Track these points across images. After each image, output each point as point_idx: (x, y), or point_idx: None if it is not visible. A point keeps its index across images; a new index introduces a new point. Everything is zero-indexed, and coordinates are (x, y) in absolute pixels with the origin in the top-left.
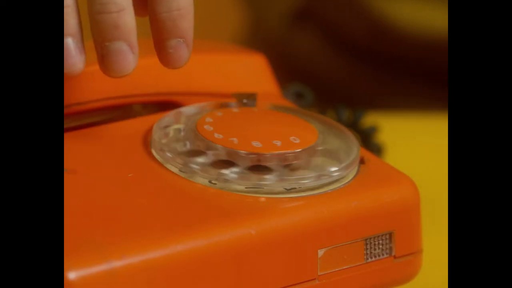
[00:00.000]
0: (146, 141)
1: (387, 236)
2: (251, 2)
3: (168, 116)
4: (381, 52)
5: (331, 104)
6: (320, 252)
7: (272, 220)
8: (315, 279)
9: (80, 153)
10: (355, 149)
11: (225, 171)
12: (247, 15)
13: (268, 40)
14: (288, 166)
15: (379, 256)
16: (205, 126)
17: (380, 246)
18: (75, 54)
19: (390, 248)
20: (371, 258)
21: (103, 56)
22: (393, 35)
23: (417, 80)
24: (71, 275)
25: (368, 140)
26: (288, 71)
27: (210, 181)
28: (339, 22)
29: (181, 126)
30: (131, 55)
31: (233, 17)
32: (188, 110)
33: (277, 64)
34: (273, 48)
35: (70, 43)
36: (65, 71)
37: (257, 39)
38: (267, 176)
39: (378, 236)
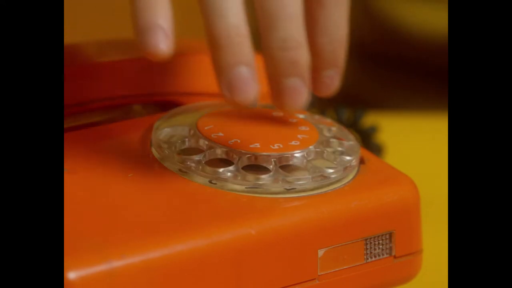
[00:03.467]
0: (146, 141)
1: (387, 236)
2: (250, 2)
3: (168, 116)
4: (381, 52)
5: (331, 104)
6: (320, 252)
7: (272, 220)
8: (315, 279)
9: (80, 153)
10: (355, 149)
11: (225, 171)
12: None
13: None
14: (288, 166)
15: (379, 256)
16: (205, 126)
17: (380, 246)
18: (251, 83)
19: (390, 248)
20: (371, 258)
21: (279, 92)
22: (393, 36)
23: (417, 80)
24: (71, 275)
25: (368, 140)
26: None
27: (210, 181)
28: None
29: (181, 126)
30: (305, 90)
31: None
32: (188, 110)
33: None
34: None
35: (245, 71)
36: (239, 99)
37: (257, 39)
38: (267, 176)
39: (378, 236)
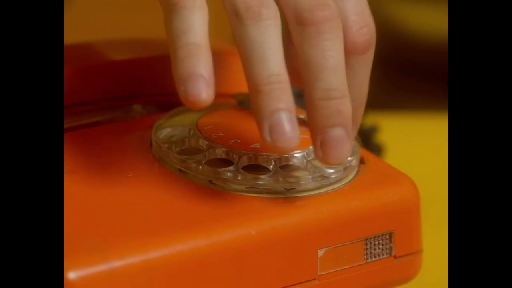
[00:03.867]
0: (146, 141)
1: (387, 236)
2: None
3: (168, 116)
4: (381, 53)
5: None
6: (320, 252)
7: (272, 220)
8: (315, 279)
9: (80, 153)
10: (355, 149)
11: (225, 171)
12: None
13: None
14: (288, 166)
15: (379, 256)
16: (205, 126)
17: (380, 246)
18: (292, 128)
19: (390, 248)
20: (371, 258)
21: (323, 142)
22: (394, 37)
23: (417, 81)
24: (71, 275)
25: (368, 140)
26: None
27: (210, 181)
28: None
29: (181, 126)
30: (349, 141)
31: None
32: (188, 110)
33: None
34: None
35: (286, 117)
36: (282, 145)
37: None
38: (267, 176)
39: (378, 236)
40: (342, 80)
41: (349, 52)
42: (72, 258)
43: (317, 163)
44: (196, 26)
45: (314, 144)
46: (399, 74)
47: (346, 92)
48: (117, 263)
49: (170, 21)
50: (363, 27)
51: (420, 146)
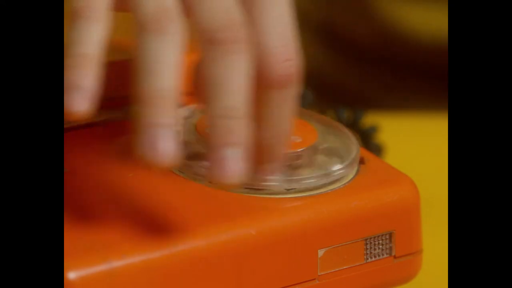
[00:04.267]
0: None
1: (387, 236)
2: None
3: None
4: (381, 52)
5: (331, 104)
6: (320, 252)
7: (272, 220)
8: (315, 279)
9: (80, 153)
10: (355, 149)
11: None
12: None
13: None
14: (287, 166)
15: (379, 256)
16: (205, 127)
17: (380, 246)
18: (166, 145)
19: (390, 248)
20: (371, 258)
21: (215, 160)
22: (393, 36)
23: (417, 80)
24: (71, 275)
25: (368, 140)
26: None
27: (210, 181)
28: (339, 24)
29: (181, 126)
30: (243, 163)
31: None
32: (188, 110)
33: None
34: None
35: (163, 133)
36: (156, 160)
37: None
38: (267, 176)
39: (378, 236)
40: (244, 100)
41: (265, 86)
42: (72, 258)
43: (316, 162)
44: (88, 37)
45: (210, 162)
46: (399, 74)
47: (246, 115)
48: (117, 263)
49: (68, 29)
50: (286, 60)
51: (420, 146)
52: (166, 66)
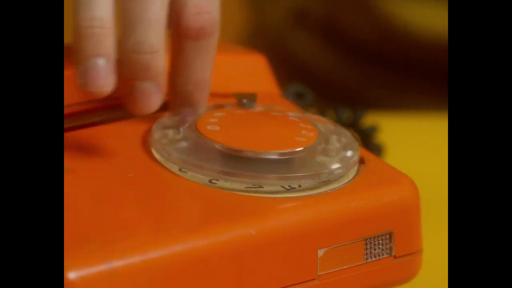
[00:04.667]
0: (146, 141)
1: (387, 236)
2: (252, 2)
3: (168, 116)
4: (381, 52)
5: (331, 104)
6: (320, 252)
7: (272, 220)
8: (315, 279)
9: (80, 153)
10: (355, 149)
11: (225, 171)
12: (248, 15)
13: (268, 40)
14: (287, 166)
15: (379, 256)
16: (205, 126)
17: (380, 246)
18: (106, 76)
19: (390, 248)
20: (371, 258)
21: (130, 94)
22: (393, 36)
23: (417, 80)
24: (71, 275)
25: (368, 140)
26: (288, 71)
27: (210, 181)
28: (340, 23)
29: (181, 126)
30: (157, 95)
31: (233, 17)
32: (188, 109)
33: (277, 64)
34: (273, 48)
35: (102, 63)
36: (93, 90)
37: (257, 39)
38: (266, 176)
39: (378, 236)
40: (156, 35)
41: (181, 35)
42: (72, 258)
43: (317, 162)
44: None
45: (122, 95)
46: (399, 74)
47: (159, 48)
48: (117, 263)
49: None
50: (201, 13)
51: (420, 146)
52: (150, 19)
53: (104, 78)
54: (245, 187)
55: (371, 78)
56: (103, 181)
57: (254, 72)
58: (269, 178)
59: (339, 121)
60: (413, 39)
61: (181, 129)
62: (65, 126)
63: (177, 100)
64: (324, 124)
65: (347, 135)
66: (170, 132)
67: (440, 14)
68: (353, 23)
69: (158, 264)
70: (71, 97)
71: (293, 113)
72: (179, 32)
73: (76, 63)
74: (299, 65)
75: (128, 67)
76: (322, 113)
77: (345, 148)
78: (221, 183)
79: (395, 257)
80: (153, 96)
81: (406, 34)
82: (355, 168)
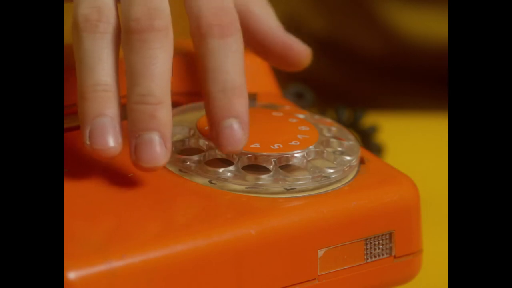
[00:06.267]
0: None
1: (387, 236)
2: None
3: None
4: (382, 55)
5: (331, 104)
6: (320, 252)
7: (272, 220)
8: (315, 279)
9: (80, 153)
10: (355, 149)
11: (225, 171)
12: None
13: None
14: (287, 166)
15: (379, 256)
16: (205, 126)
17: (380, 246)
18: (112, 133)
19: (390, 248)
20: (371, 258)
21: (136, 146)
22: (394, 38)
23: (417, 81)
24: (71, 275)
25: (368, 140)
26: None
27: (210, 181)
28: (341, 28)
29: (181, 126)
30: (163, 148)
31: None
32: (188, 110)
33: None
34: None
35: (107, 121)
36: (99, 148)
37: None
38: (267, 176)
39: (378, 236)
40: (161, 87)
41: (205, 35)
42: (72, 258)
43: (317, 163)
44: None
45: (130, 148)
46: (399, 76)
47: (164, 100)
48: (117, 263)
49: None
50: (219, 12)
51: (420, 146)
52: (103, 62)
53: (110, 135)
54: (245, 187)
55: (371, 78)
56: (103, 181)
57: (254, 72)
58: (269, 178)
59: (339, 121)
60: (413, 43)
61: (181, 129)
62: (65, 126)
63: (215, 113)
64: (326, 125)
65: (348, 137)
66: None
67: (439, 17)
68: (354, 29)
69: (158, 264)
70: (71, 97)
71: (295, 113)
72: (202, 34)
73: (81, 125)
74: None
75: (133, 119)
76: (322, 113)
77: (345, 150)
78: (221, 183)
79: (395, 257)
80: (158, 147)
81: (406, 39)
82: (355, 168)
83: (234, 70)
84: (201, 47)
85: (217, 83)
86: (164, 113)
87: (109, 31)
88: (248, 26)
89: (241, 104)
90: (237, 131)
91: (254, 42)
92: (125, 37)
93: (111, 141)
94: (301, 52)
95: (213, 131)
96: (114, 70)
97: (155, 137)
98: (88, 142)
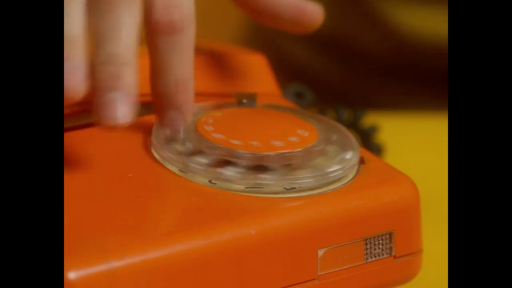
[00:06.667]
0: (146, 141)
1: (387, 236)
2: None
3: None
4: (381, 52)
5: (331, 104)
6: (320, 252)
7: (272, 220)
8: (315, 279)
9: (80, 153)
10: (355, 149)
11: (225, 171)
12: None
13: (268, 41)
14: (287, 166)
15: (379, 256)
16: (205, 126)
17: (380, 246)
18: (120, 109)
19: (390, 248)
20: (371, 258)
21: (99, 105)
22: (393, 37)
23: (417, 80)
24: (71, 275)
25: (368, 140)
26: (288, 71)
27: (210, 181)
28: (342, 26)
29: (173, 134)
30: (126, 106)
31: (233, 17)
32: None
33: (277, 64)
34: (273, 48)
35: (118, 97)
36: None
37: (257, 39)
38: (266, 176)
39: (378, 236)
40: (127, 48)
41: (153, 32)
42: (72, 258)
43: (317, 162)
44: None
45: (93, 105)
46: (399, 75)
47: (130, 61)
48: (117, 263)
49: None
50: (170, 7)
51: (420, 146)
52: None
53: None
54: (245, 187)
55: (371, 78)
56: (103, 181)
57: (254, 72)
58: (269, 178)
59: (339, 121)
60: (413, 42)
61: (181, 129)
62: (65, 126)
63: (159, 103)
64: (326, 124)
65: (348, 136)
66: (171, 132)
67: (439, 16)
68: (354, 28)
69: (158, 264)
70: None
71: (295, 113)
72: (150, 28)
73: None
74: (299, 65)
75: (98, 79)
76: (322, 113)
77: (345, 149)
78: (221, 183)
79: (395, 257)
80: (122, 106)
81: (406, 38)
82: (355, 168)
83: (178, 65)
84: (150, 43)
85: (161, 79)
86: (129, 74)
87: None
88: None
89: (186, 97)
90: (177, 122)
91: (265, 10)
92: (92, 6)
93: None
94: (314, 12)
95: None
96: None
97: (120, 97)
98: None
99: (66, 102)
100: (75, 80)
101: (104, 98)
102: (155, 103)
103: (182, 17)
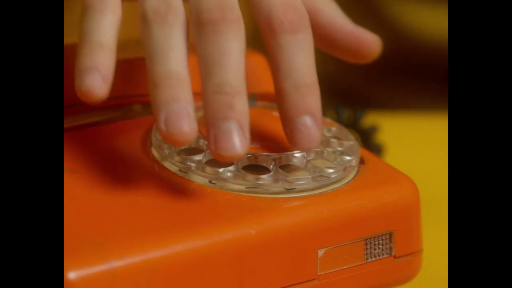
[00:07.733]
0: (146, 141)
1: (387, 236)
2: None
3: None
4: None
5: (331, 104)
6: (320, 252)
7: (272, 220)
8: (315, 279)
9: (80, 153)
10: (355, 149)
11: (225, 171)
12: (247, 15)
13: None
14: (288, 166)
15: (379, 256)
16: (205, 127)
17: (380, 246)
18: (186, 118)
19: (390, 248)
20: (371, 258)
21: (215, 136)
22: (394, 37)
23: (417, 80)
24: (71, 275)
25: (368, 140)
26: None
27: (210, 181)
28: None
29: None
30: (242, 137)
31: None
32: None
33: None
34: None
35: (181, 107)
36: (171, 133)
37: (257, 39)
38: (267, 176)
39: (378, 236)
40: (237, 76)
41: (276, 31)
42: (72, 258)
43: (317, 163)
44: (103, 28)
45: (208, 138)
46: (399, 75)
47: (240, 89)
48: (117, 263)
49: (81, 21)
50: (289, 9)
51: (420, 146)
52: (174, 51)
53: (185, 120)
54: (245, 187)
55: (371, 78)
56: (103, 181)
57: (254, 72)
58: (269, 178)
59: (339, 121)
60: (413, 39)
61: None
62: (65, 126)
63: (289, 110)
64: (326, 125)
65: (348, 137)
66: None
67: (439, 15)
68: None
69: (158, 264)
70: (71, 97)
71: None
72: (273, 30)
73: (154, 112)
74: None
75: (210, 109)
76: (322, 113)
77: (345, 150)
78: (221, 183)
79: (395, 257)
80: (237, 136)
81: (406, 34)
82: (355, 168)
83: (306, 66)
84: (272, 44)
85: (290, 80)
86: (241, 103)
87: (178, 22)
88: (316, 22)
89: (314, 100)
90: (311, 128)
91: (323, 38)
92: (198, 29)
93: (186, 125)
94: (371, 42)
95: (287, 128)
96: (185, 60)
97: (234, 127)
98: (164, 127)
99: (179, 144)
100: (185, 125)
101: (218, 128)
102: (285, 112)
103: (301, 17)
